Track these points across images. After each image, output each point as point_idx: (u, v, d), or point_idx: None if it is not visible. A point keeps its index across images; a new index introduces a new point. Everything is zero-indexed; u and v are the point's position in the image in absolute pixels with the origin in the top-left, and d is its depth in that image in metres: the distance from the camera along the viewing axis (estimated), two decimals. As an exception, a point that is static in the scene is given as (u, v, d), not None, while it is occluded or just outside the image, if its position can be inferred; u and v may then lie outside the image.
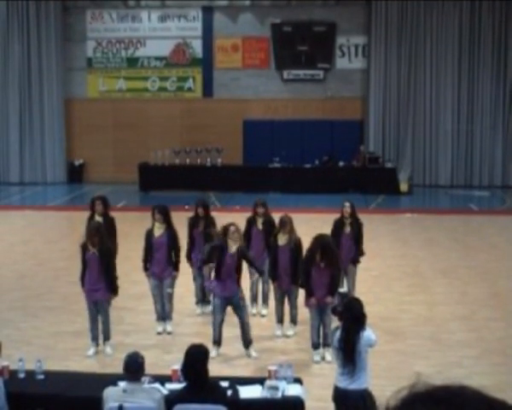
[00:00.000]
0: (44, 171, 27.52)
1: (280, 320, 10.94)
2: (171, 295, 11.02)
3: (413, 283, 13.81)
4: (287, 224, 10.64)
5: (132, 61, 27.64)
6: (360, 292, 11.10)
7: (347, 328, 7.06)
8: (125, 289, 12.17)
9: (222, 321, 9.95)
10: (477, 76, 26.00)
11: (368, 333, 7.13)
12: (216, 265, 10.03)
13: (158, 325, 11.06)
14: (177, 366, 7.06)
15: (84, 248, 10.12)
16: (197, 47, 27.40)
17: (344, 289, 11.44)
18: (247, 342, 10.05)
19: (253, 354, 10.03)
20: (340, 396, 7.09)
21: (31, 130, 27.34)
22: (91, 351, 10.14)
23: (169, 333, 10.99)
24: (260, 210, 11.80)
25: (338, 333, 7.15)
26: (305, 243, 10.21)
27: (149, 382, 6.99)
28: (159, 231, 10.88)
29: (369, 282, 13.44)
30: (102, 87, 27.85)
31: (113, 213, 12.60)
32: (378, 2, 26.20)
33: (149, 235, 10.94)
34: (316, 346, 9.91)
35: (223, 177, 24.79)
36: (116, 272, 10.25)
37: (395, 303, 12.51)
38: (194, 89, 27.58)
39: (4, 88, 27.16)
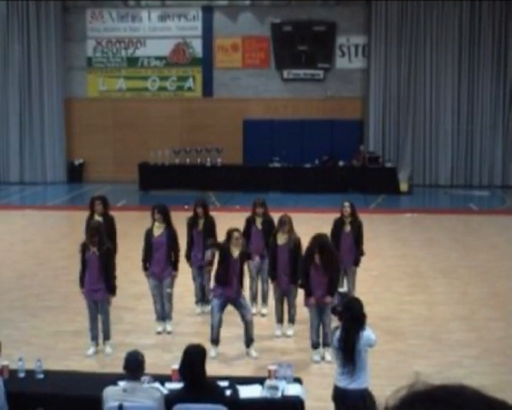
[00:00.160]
0: (44, 170, 27.52)
1: (280, 320, 10.94)
2: (170, 295, 11.02)
3: (413, 283, 13.81)
4: (286, 223, 10.64)
5: (132, 61, 27.64)
6: (360, 292, 11.11)
7: (347, 328, 7.06)
8: (125, 288, 12.18)
9: (220, 321, 9.95)
10: (477, 76, 26.00)
11: (368, 333, 7.13)
12: (218, 268, 10.02)
13: (158, 324, 11.06)
14: (177, 366, 7.05)
15: (83, 247, 10.12)
16: (197, 47, 27.40)
17: (344, 288, 11.44)
18: (248, 340, 10.05)
19: (254, 353, 10.03)
20: (339, 396, 7.09)
21: (31, 129, 27.34)
22: (91, 351, 10.14)
23: (169, 333, 10.99)
24: (259, 210, 11.80)
25: (338, 333, 7.15)
26: (305, 243, 10.21)
27: (149, 381, 6.99)
28: (158, 230, 10.88)
29: (369, 282, 13.45)
30: (102, 87, 27.85)
31: (112, 213, 12.59)
32: (378, 2, 26.20)
33: (149, 235, 10.93)
34: (315, 346, 9.91)
35: (223, 176, 24.80)
36: (115, 272, 10.25)
37: (395, 303, 12.51)
38: (194, 88, 27.59)
39: (4, 87, 27.15)
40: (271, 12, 26.77)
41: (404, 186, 24.54)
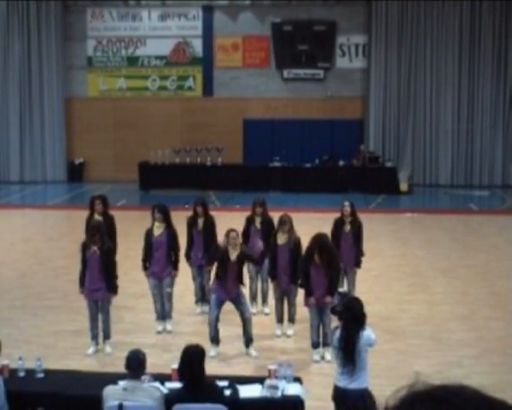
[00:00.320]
0: (44, 170, 27.53)
1: (280, 320, 10.94)
2: (170, 295, 11.02)
3: (413, 282, 13.81)
4: (286, 223, 10.64)
5: (132, 60, 27.64)
6: (360, 292, 11.11)
7: (347, 328, 7.06)
8: (125, 288, 12.17)
9: (217, 318, 9.94)
10: (477, 76, 26.01)
11: (368, 333, 7.14)
12: (217, 268, 10.02)
13: (158, 324, 11.07)
14: (177, 365, 7.06)
15: (84, 247, 10.12)
16: (197, 46, 27.40)
17: (343, 288, 11.44)
18: (247, 339, 10.05)
19: (253, 353, 10.03)
20: (339, 396, 7.09)
21: (31, 129, 27.34)
22: (91, 350, 10.15)
23: (169, 332, 11.00)
24: (259, 209, 11.80)
25: (338, 333, 7.15)
26: (305, 243, 10.21)
27: (149, 381, 6.99)
28: (158, 230, 10.88)
29: (369, 281, 13.45)
30: (103, 86, 27.85)
31: (112, 212, 12.58)
32: (378, 1, 26.20)
33: (149, 234, 10.93)
34: (315, 345, 9.91)
35: (223, 176, 24.80)
36: (116, 271, 10.25)
37: (395, 303, 12.51)
38: (195, 88, 27.59)
39: (4, 87, 27.15)
40: (272, 11, 26.77)
41: (404, 186, 24.54)
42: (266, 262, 11.31)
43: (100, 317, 10.17)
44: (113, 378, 7.08)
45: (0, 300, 12.76)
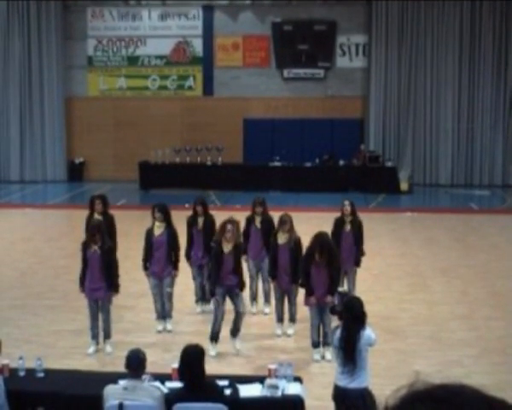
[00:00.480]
0: (45, 169, 27.54)
1: (280, 319, 10.94)
2: (170, 294, 11.02)
3: (413, 282, 13.81)
4: (286, 222, 10.63)
5: (133, 60, 27.65)
6: (360, 291, 11.11)
7: (348, 327, 7.06)
8: (125, 287, 12.15)
9: (223, 317, 9.95)
10: (477, 75, 26.01)
11: (368, 332, 7.14)
12: (213, 266, 10.04)
13: (158, 323, 11.07)
14: (177, 365, 7.06)
15: (85, 246, 10.11)
16: (197, 45, 27.40)
17: (343, 288, 11.43)
18: (234, 330, 10.06)
19: (238, 346, 10.04)
20: (339, 395, 7.10)
21: (31, 128, 27.35)
22: (91, 349, 10.15)
23: (169, 332, 11.00)
24: (258, 209, 11.80)
25: (338, 332, 7.15)
26: (305, 242, 10.21)
27: (149, 380, 6.99)
28: (158, 230, 10.88)
29: (369, 281, 13.45)
30: (103, 86, 27.85)
31: (113, 212, 12.59)
32: (378, 1, 26.21)
33: (149, 234, 10.94)
34: (316, 345, 9.91)
35: (223, 175, 24.80)
36: (118, 270, 10.25)
37: (395, 302, 12.51)
38: (195, 87, 27.59)
39: (5, 86, 27.16)
40: (272, 11, 26.77)
41: (404, 185, 24.54)
42: (267, 262, 11.31)
43: (100, 316, 10.17)
44: (113, 378, 7.08)
45: (0, 299, 12.76)
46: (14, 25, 27.06)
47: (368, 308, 7.46)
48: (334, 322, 8.43)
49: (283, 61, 26.80)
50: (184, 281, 11.98)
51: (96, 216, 11.85)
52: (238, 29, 27.08)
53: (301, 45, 26.53)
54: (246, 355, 10.04)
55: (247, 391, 7.13)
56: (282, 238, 10.69)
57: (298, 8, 26.63)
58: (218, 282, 9.89)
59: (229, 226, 9.83)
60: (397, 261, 15.37)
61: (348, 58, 26.89)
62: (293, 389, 7.26)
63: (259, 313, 11.82)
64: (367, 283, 13.07)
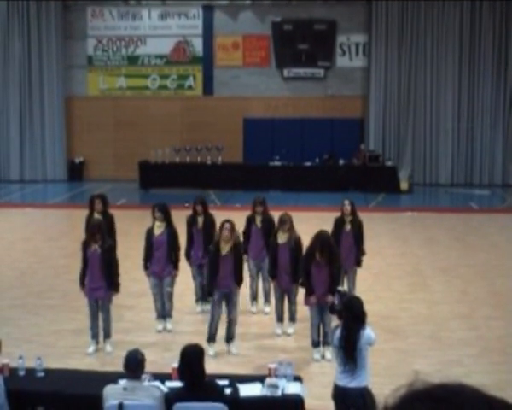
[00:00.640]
0: (45, 168, 27.54)
1: (280, 319, 10.94)
2: (170, 294, 11.02)
3: (413, 281, 13.81)
4: (286, 222, 10.62)
5: (133, 59, 27.64)
6: (360, 290, 11.11)
7: (348, 327, 7.06)
8: (125, 287, 12.14)
9: (219, 317, 9.95)
10: (477, 75, 26.01)
11: (368, 331, 7.14)
12: (209, 269, 10.03)
13: (158, 323, 11.07)
14: (177, 365, 7.06)
15: (85, 245, 10.11)
16: (197, 45, 27.40)
17: (343, 287, 11.41)
18: (228, 337, 10.07)
19: (234, 350, 10.05)
20: (339, 394, 7.10)
21: (31, 127, 27.35)
22: (91, 349, 10.15)
23: (169, 331, 11.00)
24: (259, 208, 11.80)
25: (338, 332, 7.15)
26: (305, 242, 10.21)
27: (149, 380, 6.99)
28: (159, 229, 10.88)
29: (369, 280, 13.45)
30: (103, 85, 27.85)
31: (113, 211, 12.59)
32: (379, 1, 26.21)
33: (149, 234, 10.94)
34: (316, 344, 9.91)
35: (223, 175, 24.79)
36: (118, 269, 10.24)
37: (395, 302, 12.51)
38: (195, 87, 27.58)
39: (5, 86, 27.15)
40: (272, 11, 26.77)
41: (404, 185, 24.54)
42: (267, 261, 11.31)
43: (100, 316, 10.17)
44: (113, 377, 7.08)
45: (0, 299, 12.76)
46: (14, 25, 27.06)
47: (368, 308, 7.46)
48: (334, 321, 8.43)
49: (283, 60, 26.80)
50: (184, 280, 11.98)
51: (96, 216, 11.85)
52: (238, 29, 27.08)
53: (301, 45, 26.53)
54: (246, 355, 10.04)
55: (247, 391, 7.13)
56: (282, 238, 10.68)
57: (298, 7, 26.63)
58: (216, 285, 9.88)
59: (226, 224, 9.83)
60: (397, 261, 15.38)
61: (348, 58, 26.89)
62: (293, 388, 7.26)
63: (259, 313, 11.82)
64: (367, 282, 13.06)
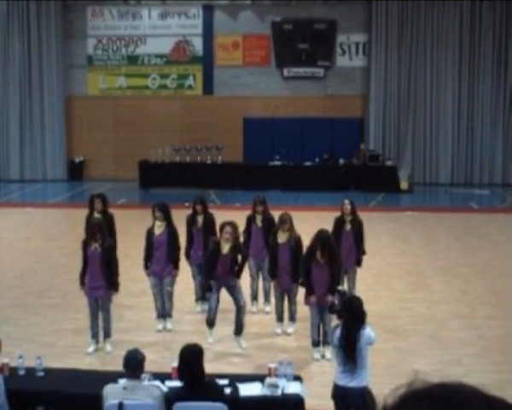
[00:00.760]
0: (45, 168, 27.54)
1: (280, 318, 10.94)
2: (171, 294, 11.02)
3: (413, 281, 13.81)
4: (286, 221, 10.62)
5: (133, 59, 27.64)
6: (360, 290, 11.11)
7: (347, 326, 7.06)
8: (125, 286, 12.16)
9: (217, 302, 10.01)
10: (477, 75, 26.01)
11: (368, 331, 7.14)
12: (207, 262, 10.05)
13: (158, 322, 11.07)
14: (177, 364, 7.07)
15: (85, 244, 10.11)
16: (197, 44, 27.39)
17: (343, 287, 11.40)
18: (238, 327, 10.07)
19: (243, 344, 10.04)
20: (339, 394, 7.10)
21: (31, 127, 27.34)
22: (91, 348, 10.15)
23: (169, 331, 11.00)
24: (259, 208, 11.79)
25: (338, 331, 7.15)
26: (305, 241, 10.20)
27: (149, 379, 6.99)
28: (159, 229, 10.88)
29: (369, 280, 13.44)
30: (103, 85, 27.85)
31: (112, 211, 12.59)
32: (379, 0, 26.20)
33: (150, 233, 10.94)
34: (316, 344, 9.91)
35: (223, 174, 24.79)
36: (118, 269, 10.24)
37: (395, 301, 12.51)
38: (195, 86, 27.58)
39: (5, 86, 27.15)
40: (272, 10, 26.77)
41: (404, 184, 24.54)
42: (267, 261, 11.31)
43: (100, 315, 10.17)
44: (113, 377, 7.08)
45: (0, 298, 12.76)
46: (14, 24, 27.05)
47: (368, 307, 7.46)
48: (334, 321, 8.43)
49: (283, 60, 26.80)
50: (184, 280, 11.97)
51: (96, 215, 11.85)
52: (238, 28, 27.08)
53: (301, 44, 26.52)
54: (246, 354, 10.04)
55: (247, 390, 7.13)
56: (282, 237, 10.68)
57: (298, 7, 26.62)
58: (213, 278, 9.93)
59: (227, 228, 9.83)
60: (397, 260, 15.37)
61: (348, 57, 26.89)
62: (293, 388, 7.26)
63: (260, 313, 11.82)
64: (367, 282, 13.06)
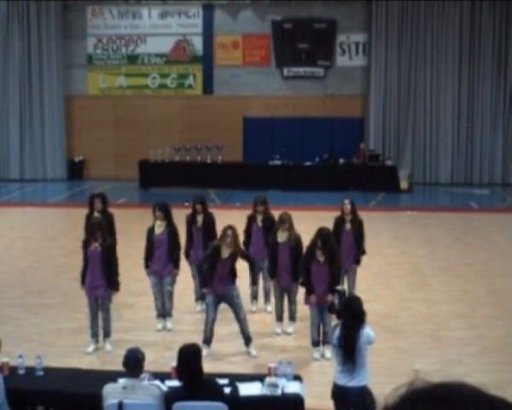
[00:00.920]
0: (44, 167, 27.53)
1: (279, 318, 10.93)
2: (171, 293, 11.02)
3: (413, 280, 13.81)
4: (286, 221, 10.62)
5: (133, 58, 27.64)
6: (360, 290, 11.12)
7: (347, 326, 7.06)
8: (125, 286, 12.15)
9: (214, 320, 9.88)
10: (477, 74, 26.01)
11: (367, 330, 7.14)
12: (207, 267, 10.00)
13: (158, 322, 11.07)
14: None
15: (85, 243, 10.11)
16: (197, 44, 27.39)
17: (342, 286, 11.39)
18: (246, 339, 10.04)
19: (253, 352, 10.01)
20: (339, 393, 7.10)
21: (31, 127, 27.34)
22: (91, 348, 10.15)
23: (169, 330, 11.00)
24: (260, 208, 11.78)
25: (337, 331, 7.15)
26: (305, 241, 10.20)
27: (149, 378, 6.99)
28: (159, 228, 10.89)
29: (369, 279, 13.44)
30: (103, 84, 27.85)
31: (112, 210, 12.58)
32: (379, 0, 26.19)
33: (150, 233, 10.94)
34: (316, 343, 9.91)
35: (223, 174, 24.79)
36: (118, 268, 10.24)
37: (395, 301, 12.51)
38: (195, 86, 27.58)
39: (5, 85, 27.14)
40: (272, 9, 26.76)
41: (404, 184, 24.54)
42: (267, 260, 11.29)
43: (100, 315, 10.17)
44: (113, 376, 7.08)
45: (0, 298, 12.76)
46: (14, 24, 27.05)
47: (368, 307, 7.46)
48: (334, 321, 8.42)
49: (283, 59, 26.80)
50: (184, 279, 11.97)
51: (96, 214, 11.85)
52: (238, 27, 27.08)
53: (301, 44, 26.52)
54: (246, 354, 10.03)
55: (247, 390, 7.13)
56: (281, 237, 10.68)
57: (298, 6, 26.62)
58: (210, 287, 9.84)
59: (228, 232, 9.79)
60: (397, 260, 15.37)
61: (348, 57, 26.88)
62: (292, 387, 7.26)
63: (260, 312, 11.81)
64: (367, 281, 13.06)
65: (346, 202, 11.62)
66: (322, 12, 26.63)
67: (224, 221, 11.88)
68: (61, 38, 27.27)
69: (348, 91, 26.81)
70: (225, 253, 9.82)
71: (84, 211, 12.59)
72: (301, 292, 10.31)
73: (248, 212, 12.10)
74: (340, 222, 11.56)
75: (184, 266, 11.69)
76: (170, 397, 6.55)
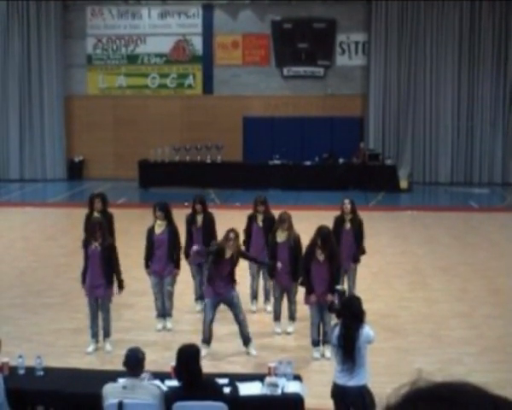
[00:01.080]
0: (44, 168, 27.53)
1: (278, 318, 10.92)
2: (171, 293, 11.01)
3: (413, 280, 13.81)
4: (286, 221, 10.61)
5: (132, 58, 27.64)
6: (360, 289, 11.12)
7: (346, 325, 7.06)
8: (126, 286, 12.15)
9: (212, 320, 9.87)
10: (477, 74, 26.01)
11: (367, 330, 7.14)
12: (209, 267, 10.00)
13: (158, 322, 11.07)
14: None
15: (86, 243, 10.11)
16: (197, 44, 27.39)
17: (342, 286, 11.39)
18: (245, 339, 10.03)
19: (253, 352, 10.01)
20: (338, 393, 7.09)
21: (31, 127, 27.34)
22: (91, 348, 10.14)
23: (169, 330, 11.00)
24: (260, 208, 11.78)
25: (337, 330, 7.14)
26: (305, 241, 10.20)
27: (149, 378, 6.98)
28: (160, 228, 10.89)
29: (369, 279, 13.44)
30: (102, 84, 27.84)
31: (112, 210, 12.58)
32: (378, 0, 26.19)
33: (150, 232, 10.94)
34: (315, 343, 9.91)
35: (223, 174, 24.79)
36: (119, 267, 10.23)
37: (395, 300, 12.50)
38: (195, 86, 27.58)
39: (4, 85, 27.14)
40: (271, 9, 26.77)
41: (404, 184, 24.54)
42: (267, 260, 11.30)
43: (100, 315, 10.17)
44: (112, 376, 7.08)
45: (0, 298, 12.75)
46: (14, 24, 27.05)
47: (367, 306, 7.46)
48: (334, 320, 8.42)
49: (283, 59, 26.80)
50: (184, 279, 11.96)
51: (96, 214, 11.85)
52: (238, 27, 27.08)
53: (301, 43, 26.53)
54: (245, 354, 10.03)
55: (247, 389, 7.13)
56: (281, 236, 10.68)
57: (297, 6, 26.62)
58: (210, 285, 9.84)
59: (231, 235, 9.79)
60: (396, 259, 15.37)
61: (348, 56, 26.88)
62: (292, 387, 7.26)
63: (260, 312, 11.81)
64: (367, 281, 13.06)
65: (346, 201, 11.62)
66: (322, 12, 26.63)
67: (223, 221, 11.92)
68: (61, 38, 27.27)
69: (348, 91, 26.81)
70: (227, 254, 9.84)
71: (84, 211, 12.59)
72: (301, 292, 10.31)
73: (248, 212, 12.09)
74: (339, 222, 11.56)
75: (184, 266, 11.69)
76: (169, 397, 6.55)
